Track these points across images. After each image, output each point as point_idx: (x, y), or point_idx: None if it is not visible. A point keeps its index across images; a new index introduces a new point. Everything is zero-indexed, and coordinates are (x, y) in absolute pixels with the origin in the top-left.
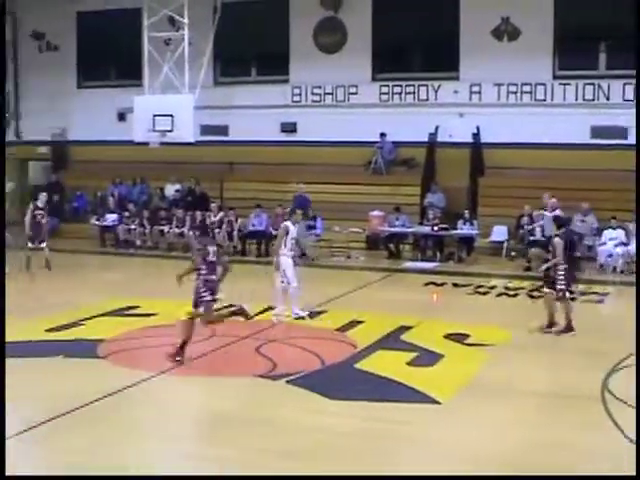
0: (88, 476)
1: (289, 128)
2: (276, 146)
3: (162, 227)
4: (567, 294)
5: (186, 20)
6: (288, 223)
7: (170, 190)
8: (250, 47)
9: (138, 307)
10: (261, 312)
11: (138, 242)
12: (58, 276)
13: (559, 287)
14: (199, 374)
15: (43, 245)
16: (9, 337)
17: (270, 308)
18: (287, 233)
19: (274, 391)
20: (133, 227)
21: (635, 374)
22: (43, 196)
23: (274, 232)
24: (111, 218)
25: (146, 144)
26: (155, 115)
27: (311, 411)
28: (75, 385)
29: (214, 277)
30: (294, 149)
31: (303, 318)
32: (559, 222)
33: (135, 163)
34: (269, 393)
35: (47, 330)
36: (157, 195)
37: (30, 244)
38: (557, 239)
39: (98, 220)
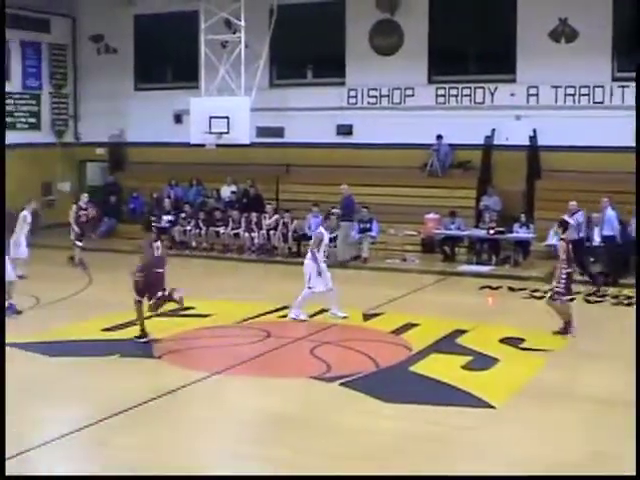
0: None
1: (345, 130)
2: (332, 148)
3: (217, 228)
4: (564, 297)
5: (242, 23)
6: (322, 229)
7: (226, 192)
8: (306, 49)
9: (193, 308)
10: (315, 314)
11: (194, 243)
12: (114, 276)
13: (556, 289)
14: (254, 375)
15: (81, 243)
16: (67, 336)
17: (324, 310)
18: (321, 240)
19: (328, 393)
20: (189, 228)
21: (636, 374)
22: (85, 196)
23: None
24: (167, 219)
25: (202, 146)
26: (211, 117)
27: (365, 414)
28: (130, 384)
29: (161, 270)
30: (350, 151)
31: (303, 320)
32: (564, 226)
33: (191, 165)
34: (323, 395)
35: (103, 330)
36: (213, 197)
37: (78, 243)
38: (562, 242)
39: (154, 221)
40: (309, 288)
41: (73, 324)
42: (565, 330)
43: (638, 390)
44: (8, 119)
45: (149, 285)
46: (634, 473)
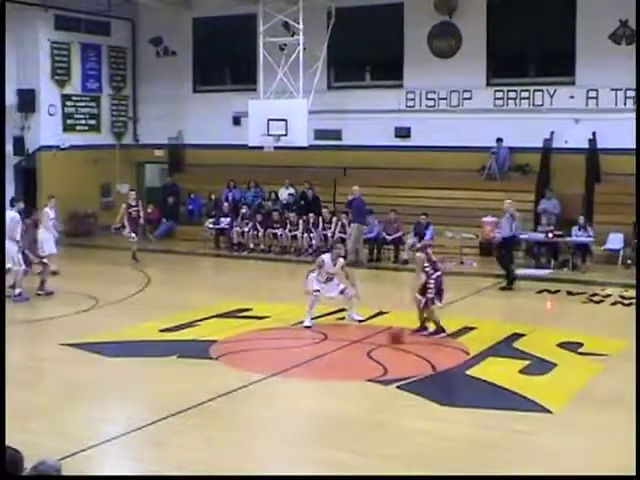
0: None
1: (403, 133)
2: (389, 151)
3: (275, 230)
4: None
5: (301, 26)
6: (325, 256)
7: (283, 194)
8: (364, 52)
9: (250, 309)
10: (372, 317)
11: (251, 245)
12: (172, 277)
13: None
14: (311, 377)
15: (136, 239)
16: (125, 337)
17: (381, 313)
18: (321, 267)
19: (385, 396)
20: (246, 230)
21: (636, 374)
22: (133, 194)
23: (387, 237)
24: (225, 221)
25: (260, 148)
26: (269, 119)
27: (421, 417)
28: (188, 385)
29: None
30: (407, 154)
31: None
32: None
33: (249, 167)
34: (380, 398)
35: (162, 330)
36: (270, 199)
37: (134, 235)
38: None
39: (212, 223)
40: (316, 291)
41: (131, 325)
42: None
43: (638, 390)
44: (69, 121)
45: None
46: (634, 473)
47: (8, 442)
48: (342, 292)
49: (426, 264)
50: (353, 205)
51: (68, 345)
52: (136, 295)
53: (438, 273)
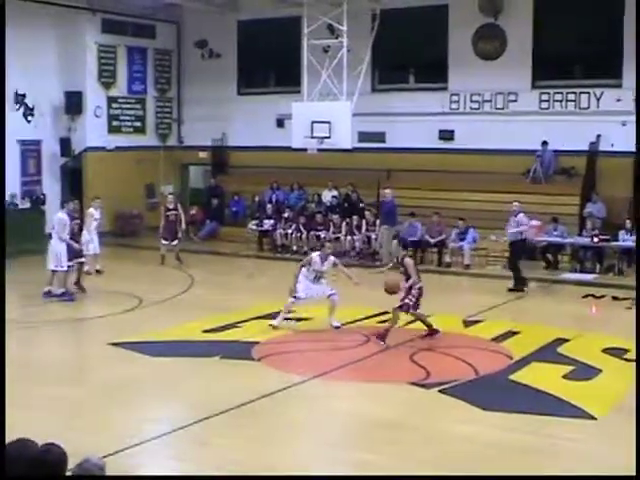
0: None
1: (447, 136)
2: (433, 154)
3: (318, 232)
4: None
5: (345, 28)
6: (314, 254)
7: (327, 196)
8: (408, 54)
9: (293, 311)
10: (409, 322)
11: (294, 247)
12: (216, 278)
13: None
14: (353, 379)
15: (175, 243)
16: (169, 337)
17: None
18: (310, 264)
19: (426, 399)
20: (290, 232)
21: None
22: (170, 197)
23: (431, 240)
24: (268, 223)
25: (304, 150)
26: (313, 122)
27: (463, 421)
28: (230, 386)
29: None
30: (451, 157)
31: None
32: None
33: (293, 169)
34: (421, 401)
35: (205, 331)
36: (314, 201)
37: (164, 242)
38: None
39: (256, 224)
40: (294, 297)
41: (175, 325)
42: None
43: (638, 390)
44: (114, 122)
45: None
46: (634, 473)
47: (53, 439)
48: (329, 296)
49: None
50: (384, 208)
51: (113, 344)
52: (180, 296)
53: (421, 284)
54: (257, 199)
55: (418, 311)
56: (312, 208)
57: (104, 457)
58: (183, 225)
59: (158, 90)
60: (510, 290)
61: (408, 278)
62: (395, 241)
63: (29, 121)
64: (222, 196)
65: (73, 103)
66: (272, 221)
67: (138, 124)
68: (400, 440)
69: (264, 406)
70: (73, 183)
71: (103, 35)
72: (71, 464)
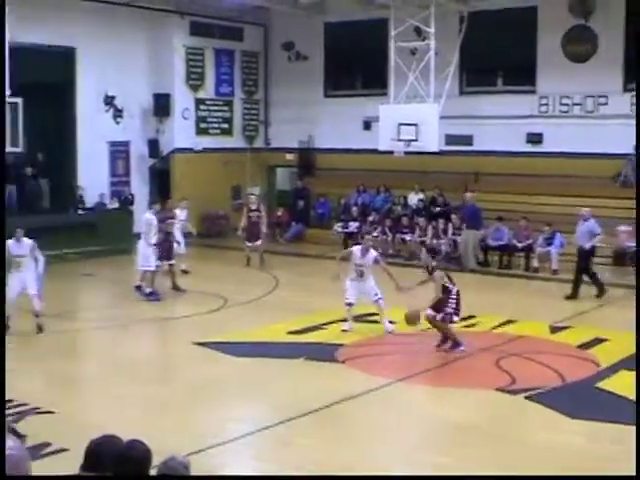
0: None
1: (535, 139)
2: (521, 157)
3: (404, 235)
4: None
5: (432, 30)
6: (354, 248)
7: (413, 199)
8: (496, 56)
9: (377, 314)
10: (502, 324)
11: (380, 250)
12: (301, 280)
13: None
14: (437, 384)
15: (258, 243)
16: (254, 337)
17: (510, 321)
18: (349, 258)
19: (511, 406)
20: (375, 234)
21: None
22: (254, 198)
23: (518, 245)
24: (354, 225)
25: (390, 153)
26: (400, 124)
27: (547, 429)
28: (314, 388)
29: None
30: (539, 160)
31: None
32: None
33: (379, 171)
34: (506, 407)
35: (289, 332)
36: (400, 203)
37: (248, 243)
38: None
39: (341, 227)
40: (348, 305)
41: (260, 326)
42: None
43: (638, 390)
44: (202, 124)
45: None
46: (634, 473)
47: (139, 436)
48: (375, 301)
49: (445, 279)
50: (464, 212)
51: (198, 344)
52: (265, 297)
53: (457, 288)
54: (343, 201)
55: (455, 318)
56: (398, 211)
57: (188, 455)
58: (264, 227)
59: (245, 92)
60: (597, 296)
61: (445, 289)
62: (424, 249)
63: (118, 123)
64: (308, 198)
65: (161, 105)
66: (357, 223)
67: (225, 126)
68: (484, 446)
69: (347, 408)
70: (161, 184)
71: (191, 38)
72: (155, 462)
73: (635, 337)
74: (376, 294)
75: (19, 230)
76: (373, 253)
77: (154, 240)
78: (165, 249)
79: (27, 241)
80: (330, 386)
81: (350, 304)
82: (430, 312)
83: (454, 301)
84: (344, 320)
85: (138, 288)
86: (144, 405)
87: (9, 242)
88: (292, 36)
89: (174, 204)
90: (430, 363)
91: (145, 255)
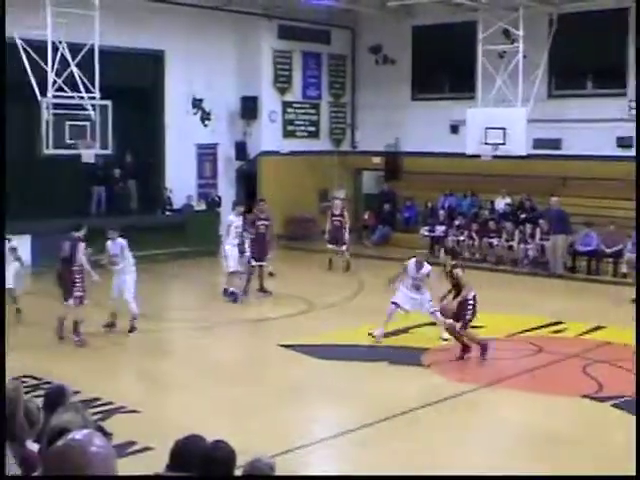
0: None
1: (625, 143)
2: (611, 161)
3: (491, 240)
4: None
5: (521, 33)
6: (410, 262)
7: (500, 203)
8: (586, 59)
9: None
10: (590, 331)
11: (466, 254)
12: (385, 284)
13: None
14: (522, 389)
15: (343, 248)
16: (337, 340)
17: (598, 327)
18: (405, 271)
19: (598, 413)
20: (462, 239)
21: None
22: (337, 203)
23: (607, 250)
24: (440, 229)
25: (477, 156)
26: (487, 128)
27: (634, 436)
28: (398, 391)
29: None
30: (630, 164)
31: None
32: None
33: (465, 175)
34: (593, 415)
35: (373, 335)
36: (486, 208)
37: (330, 246)
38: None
39: (428, 230)
40: (393, 304)
41: (345, 329)
42: None
43: (638, 390)
44: (289, 127)
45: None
46: (634, 473)
47: (225, 437)
48: (432, 314)
49: (465, 279)
50: (550, 216)
51: (284, 346)
52: (350, 300)
53: (474, 293)
54: (429, 205)
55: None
56: (485, 215)
57: (272, 457)
58: (346, 232)
59: (332, 95)
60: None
61: (458, 291)
62: (442, 249)
63: (206, 125)
64: (394, 201)
65: (249, 108)
66: (444, 227)
67: (312, 129)
68: (568, 453)
69: (431, 413)
70: (247, 187)
71: (279, 41)
72: (240, 462)
73: (635, 335)
74: (431, 306)
75: (112, 231)
76: (428, 267)
77: (236, 241)
78: (256, 250)
79: (120, 241)
80: (414, 390)
81: (396, 305)
82: (451, 322)
83: (472, 306)
84: (432, 324)
85: (225, 291)
86: (229, 406)
87: (108, 243)
88: (380, 39)
89: (263, 206)
90: (515, 369)
91: (225, 257)
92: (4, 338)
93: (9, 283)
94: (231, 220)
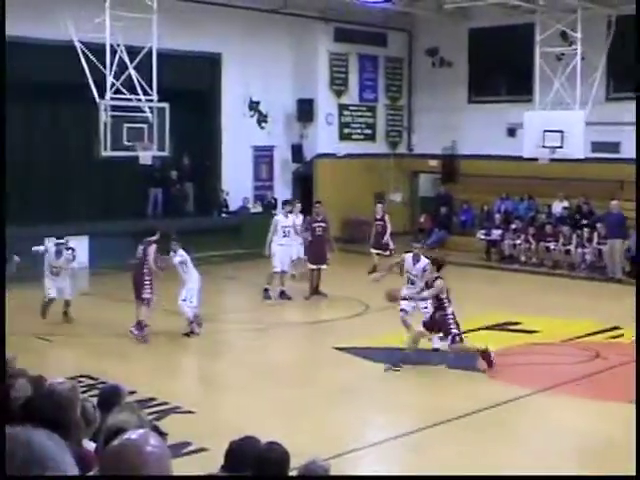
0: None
1: None
2: None
3: (548, 244)
4: None
5: (579, 35)
6: (406, 256)
7: (557, 207)
8: None
9: (520, 323)
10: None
11: (523, 258)
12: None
13: None
14: (579, 395)
15: (386, 253)
16: (394, 343)
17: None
18: (402, 266)
19: None
20: (518, 242)
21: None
22: (379, 207)
23: None
24: (497, 233)
25: (535, 160)
26: (545, 131)
27: None
28: (454, 396)
29: None
30: None
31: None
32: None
33: (522, 178)
34: None
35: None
36: (543, 211)
37: (373, 250)
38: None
39: (484, 234)
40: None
41: (400, 332)
42: None
43: (638, 390)
44: (345, 130)
45: None
46: (634, 473)
47: (277, 439)
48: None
49: (443, 294)
50: (609, 220)
51: (338, 349)
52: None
53: (452, 309)
54: (486, 208)
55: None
56: (542, 219)
57: (326, 460)
58: (386, 237)
59: (389, 98)
60: None
61: (440, 305)
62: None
63: (262, 128)
64: (451, 205)
65: (305, 110)
66: (500, 231)
67: (368, 131)
68: (621, 461)
69: (487, 417)
70: (304, 189)
71: (335, 43)
72: (295, 464)
73: (635, 335)
74: (426, 307)
75: (175, 243)
76: (424, 262)
77: (283, 241)
78: (312, 253)
79: (181, 253)
80: (470, 395)
81: (404, 311)
82: (440, 342)
83: (452, 321)
84: (487, 328)
85: (282, 294)
86: (283, 408)
87: (170, 254)
88: (436, 42)
89: (320, 209)
90: (572, 374)
91: (274, 256)
92: (4, 338)
93: (67, 294)
94: (277, 220)
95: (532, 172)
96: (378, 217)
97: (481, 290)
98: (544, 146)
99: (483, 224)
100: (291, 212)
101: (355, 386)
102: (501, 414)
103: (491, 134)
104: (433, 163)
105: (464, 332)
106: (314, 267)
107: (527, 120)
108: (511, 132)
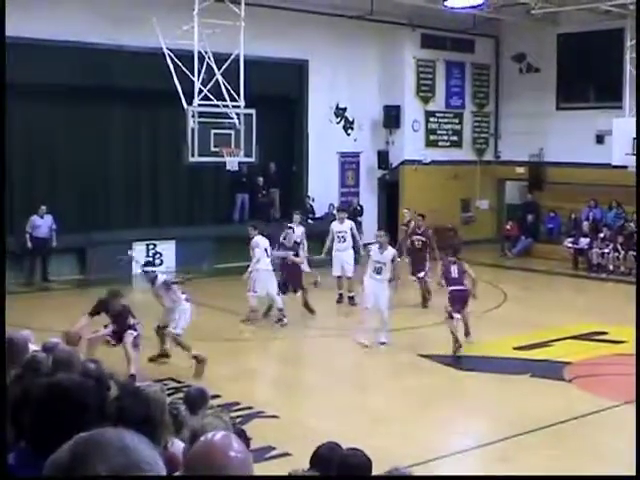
0: None
1: None
2: None
3: (637, 253)
4: None
5: None
6: (373, 246)
7: None
8: None
9: (606, 333)
10: None
11: (611, 267)
12: (528, 295)
13: None
14: None
15: (420, 275)
16: (478, 351)
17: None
18: (369, 255)
19: None
20: (607, 251)
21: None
22: (419, 219)
23: None
24: (584, 241)
25: (624, 167)
26: (634, 138)
27: None
28: (540, 405)
29: None
30: None
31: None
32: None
33: (611, 186)
34: None
35: (515, 348)
36: (632, 220)
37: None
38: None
39: (571, 242)
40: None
41: (485, 340)
42: None
43: (638, 390)
44: (431, 136)
45: None
46: (634, 473)
47: (360, 445)
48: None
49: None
50: None
51: (423, 356)
52: (492, 311)
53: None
54: (573, 216)
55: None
56: (631, 227)
57: (408, 466)
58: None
59: (476, 104)
60: None
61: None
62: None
63: (349, 134)
64: (538, 212)
65: (391, 117)
66: (588, 239)
67: (455, 138)
68: None
69: (573, 428)
70: (390, 196)
71: (422, 50)
72: (377, 471)
73: (635, 335)
74: (386, 305)
75: (252, 228)
76: (392, 251)
77: (339, 247)
78: (410, 264)
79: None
80: (556, 405)
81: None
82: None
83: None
84: (573, 337)
85: (351, 299)
86: (366, 414)
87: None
88: (523, 48)
89: (421, 222)
90: None
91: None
92: (4, 337)
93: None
94: (332, 226)
95: (621, 180)
96: (418, 231)
97: (568, 299)
98: (633, 154)
99: (570, 232)
100: (346, 219)
101: (439, 394)
102: (588, 425)
103: (579, 141)
104: (520, 170)
105: (553, 341)
106: (413, 278)
107: (616, 127)
108: (599, 139)
